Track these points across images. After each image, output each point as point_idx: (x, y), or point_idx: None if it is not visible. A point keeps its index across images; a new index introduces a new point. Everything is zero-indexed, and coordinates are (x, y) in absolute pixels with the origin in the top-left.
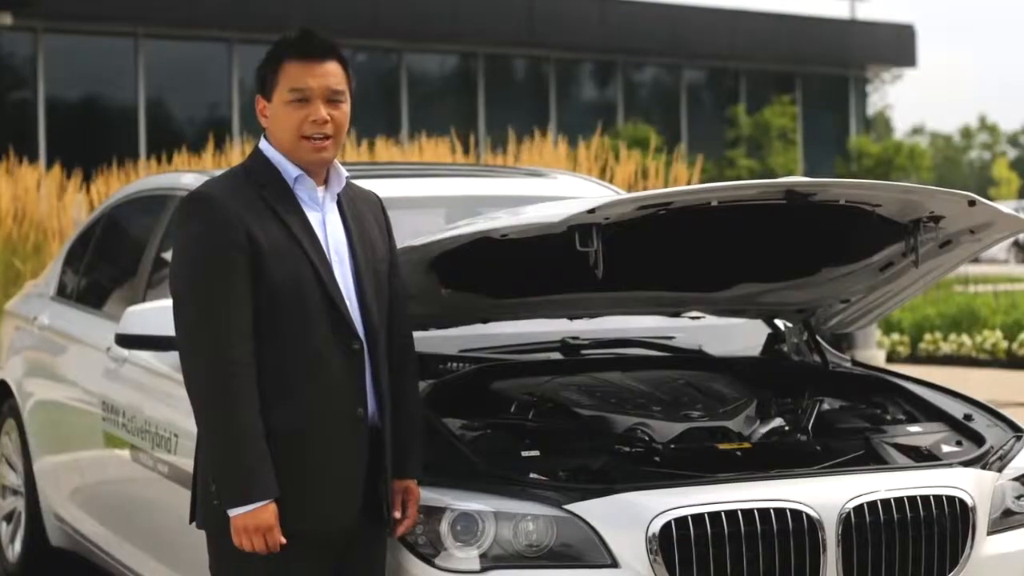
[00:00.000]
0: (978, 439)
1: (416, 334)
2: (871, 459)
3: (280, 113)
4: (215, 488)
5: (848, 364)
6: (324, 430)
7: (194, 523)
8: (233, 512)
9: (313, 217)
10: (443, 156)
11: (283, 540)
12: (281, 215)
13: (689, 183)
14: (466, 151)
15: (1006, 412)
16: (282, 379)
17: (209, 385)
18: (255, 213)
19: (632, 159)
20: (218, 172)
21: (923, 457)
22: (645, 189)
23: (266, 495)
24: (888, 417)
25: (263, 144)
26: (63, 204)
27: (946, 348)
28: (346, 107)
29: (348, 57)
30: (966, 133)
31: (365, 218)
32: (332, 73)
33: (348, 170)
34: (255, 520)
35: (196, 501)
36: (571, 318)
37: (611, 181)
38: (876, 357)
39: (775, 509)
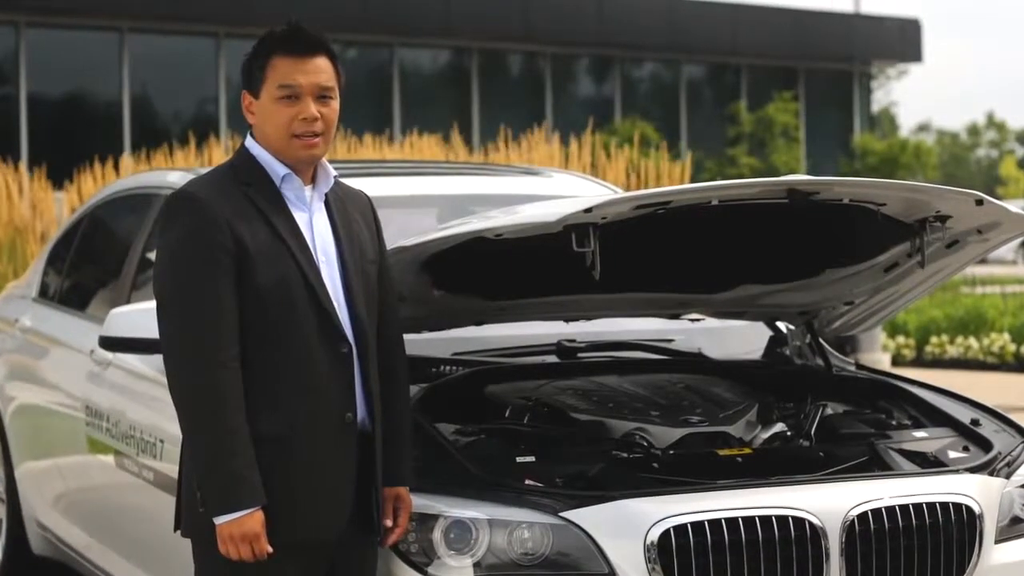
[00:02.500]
0: (985, 445)
1: (408, 337)
2: (875, 465)
3: (269, 110)
4: (200, 495)
5: (852, 368)
6: (313, 435)
7: (179, 531)
8: (219, 520)
9: (300, 217)
10: (434, 154)
11: (269, 549)
12: (267, 215)
13: (682, 181)
14: (456, 148)
15: (1014, 417)
16: (269, 383)
17: (194, 389)
18: (241, 213)
19: (622, 156)
20: (204, 170)
21: (929, 463)
22: (635, 188)
23: (253, 502)
24: (893, 422)
25: (249, 141)
26: (41, 202)
27: (953, 351)
28: (336, 104)
29: (338, 52)
30: (973, 130)
31: (353, 218)
32: (322, 69)
33: (337, 168)
34: (241, 528)
35: (181, 508)
36: (567, 320)
37: (603, 179)
38: (881, 360)
39: (777, 517)
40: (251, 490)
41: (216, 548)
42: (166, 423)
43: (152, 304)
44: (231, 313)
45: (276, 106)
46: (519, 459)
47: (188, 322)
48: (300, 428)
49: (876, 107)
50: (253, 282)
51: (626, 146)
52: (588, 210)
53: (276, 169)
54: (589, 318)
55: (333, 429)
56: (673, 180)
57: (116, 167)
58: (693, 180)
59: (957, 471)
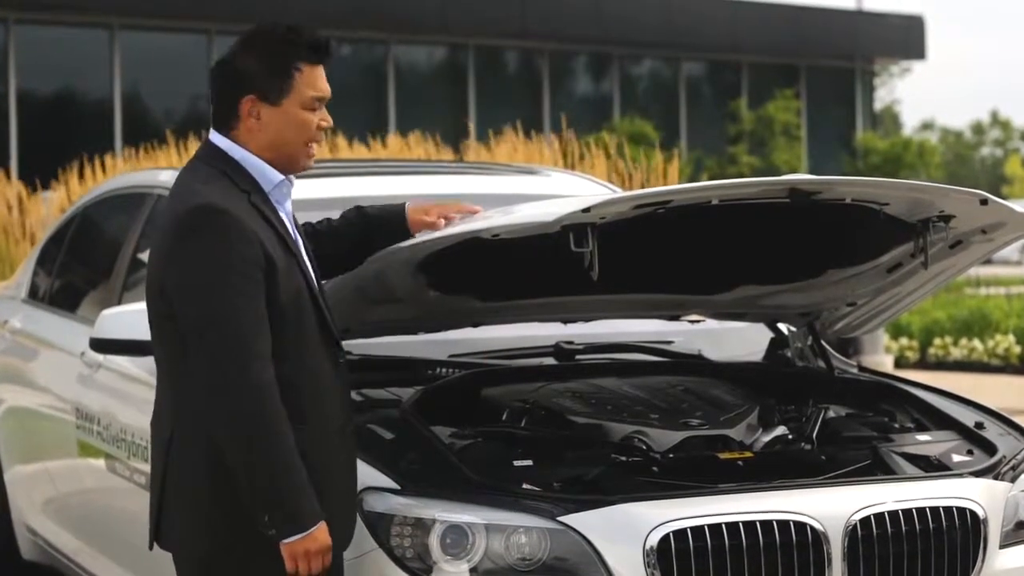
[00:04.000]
0: (990, 448)
1: (404, 339)
2: (878, 469)
3: (295, 118)
4: (268, 519)
5: (854, 370)
6: (323, 447)
7: (161, 548)
8: (290, 539)
9: (286, 222)
10: (428, 152)
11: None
12: (275, 226)
13: (678, 180)
14: (454, 147)
15: (1019, 420)
16: (291, 400)
17: (248, 414)
18: (259, 225)
19: (602, 159)
20: None
21: (932, 467)
22: (622, 188)
23: (320, 516)
24: (896, 425)
25: (225, 144)
26: (30, 204)
27: (957, 353)
28: None
29: (332, 49)
30: (978, 129)
31: (295, 218)
32: None
33: (327, 167)
34: (316, 543)
35: (162, 524)
36: (565, 322)
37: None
38: (884, 362)
39: (778, 521)
40: (315, 505)
41: (251, 566)
42: None
43: (143, 305)
44: (267, 332)
45: (304, 114)
46: (516, 463)
47: (233, 344)
48: (316, 443)
49: (879, 105)
50: (276, 298)
51: (608, 146)
52: (586, 210)
53: (270, 176)
54: (587, 319)
55: (339, 441)
56: (669, 180)
57: (105, 166)
58: (693, 179)
59: (961, 475)
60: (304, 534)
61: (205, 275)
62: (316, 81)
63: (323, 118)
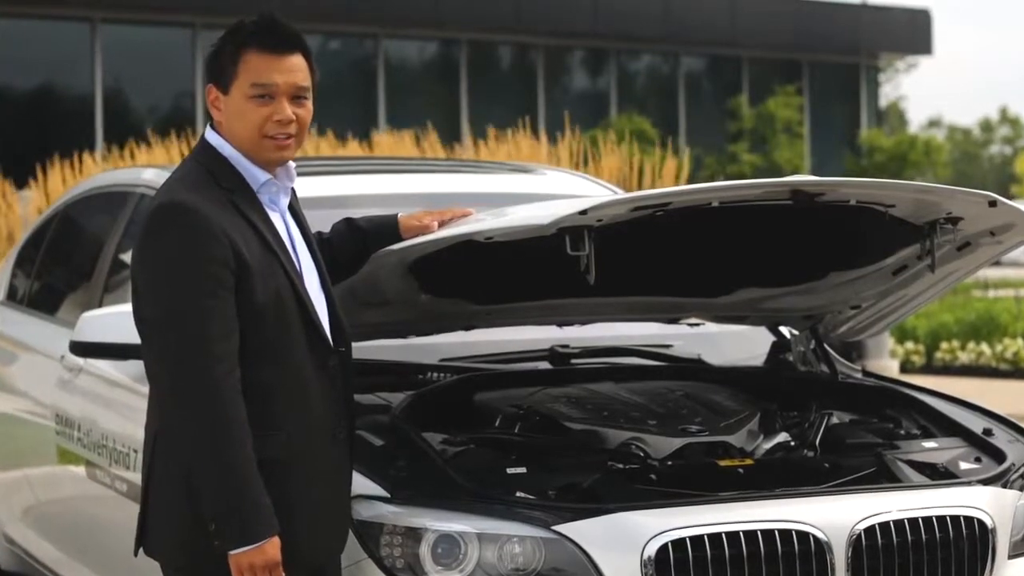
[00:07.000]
0: (998, 455)
1: (395, 342)
2: (883, 477)
3: (240, 108)
4: (215, 527)
5: (859, 374)
6: (307, 456)
7: (147, 554)
8: (236, 550)
9: (276, 220)
10: (407, 150)
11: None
12: (256, 225)
13: (679, 180)
14: (444, 144)
15: None
16: (266, 405)
17: (203, 417)
18: (234, 225)
19: (614, 155)
20: None
21: (939, 475)
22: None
23: (271, 530)
24: (901, 432)
25: (215, 139)
26: (8, 202)
27: (964, 357)
28: (310, 104)
29: (321, 43)
30: (986, 126)
31: (302, 215)
32: (298, 68)
33: (315, 166)
34: (263, 557)
35: (147, 531)
36: (561, 325)
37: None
38: (889, 367)
39: (780, 530)
40: (268, 518)
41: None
42: (140, 432)
43: (125, 308)
44: (236, 333)
45: (248, 104)
46: (510, 470)
47: (193, 345)
48: (296, 450)
49: (884, 102)
50: (251, 298)
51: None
52: (583, 212)
53: (256, 175)
54: (584, 323)
55: (328, 449)
56: (667, 179)
57: (85, 164)
58: (692, 178)
59: (969, 483)
60: (251, 547)
61: (168, 274)
62: (262, 70)
63: (276, 112)
